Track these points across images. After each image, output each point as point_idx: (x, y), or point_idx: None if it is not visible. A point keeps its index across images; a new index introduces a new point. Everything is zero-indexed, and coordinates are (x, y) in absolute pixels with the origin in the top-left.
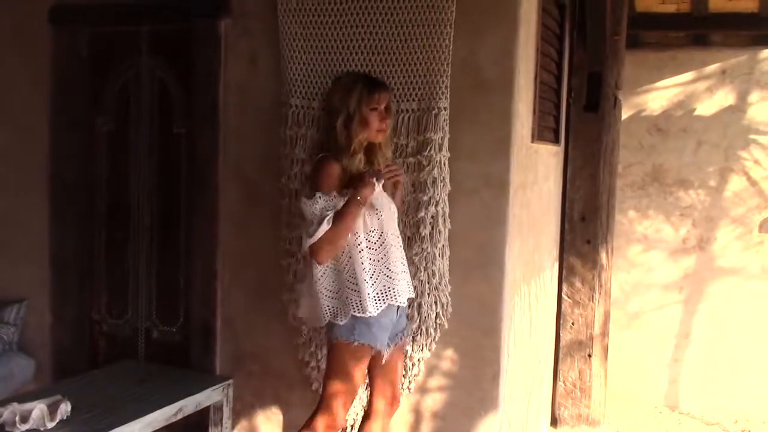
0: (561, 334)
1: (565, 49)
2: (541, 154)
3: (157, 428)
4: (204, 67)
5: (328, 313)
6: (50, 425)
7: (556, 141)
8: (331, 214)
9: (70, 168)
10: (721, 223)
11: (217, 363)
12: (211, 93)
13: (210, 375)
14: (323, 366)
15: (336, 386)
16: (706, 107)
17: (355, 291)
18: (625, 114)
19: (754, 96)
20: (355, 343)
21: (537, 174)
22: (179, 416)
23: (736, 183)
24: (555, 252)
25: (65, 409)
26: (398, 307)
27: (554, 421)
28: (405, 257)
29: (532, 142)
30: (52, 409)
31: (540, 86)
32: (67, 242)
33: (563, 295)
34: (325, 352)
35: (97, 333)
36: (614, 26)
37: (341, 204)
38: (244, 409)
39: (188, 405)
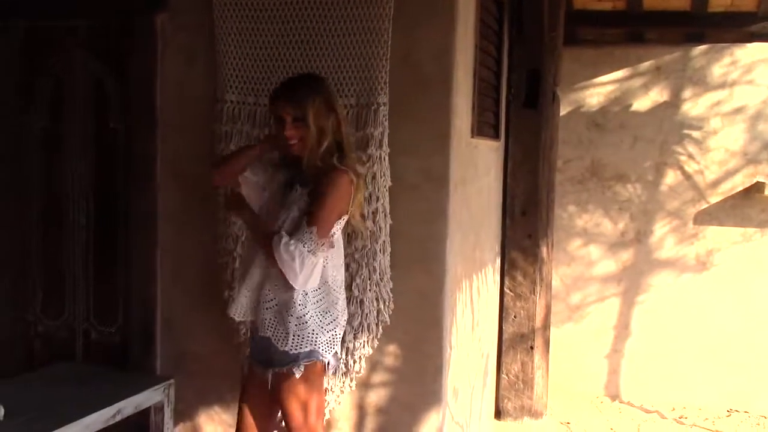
0: (504, 327)
1: (504, 45)
2: (481, 149)
3: (96, 431)
4: (141, 63)
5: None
6: None
7: (496, 136)
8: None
9: (2, 167)
10: (658, 216)
11: (157, 363)
12: (148, 89)
13: (150, 376)
14: None
15: None
16: (641, 103)
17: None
18: (564, 110)
19: (687, 92)
20: None
21: (477, 169)
22: (118, 418)
23: (671, 177)
24: (497, 246)
25: None
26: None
27: (498, 414)
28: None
29: (472, 137)
30: None
31: (479, 82)
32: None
33: (505, 289)
34: None
35: (32, 334)
36: (552, 23)
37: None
38: (186, 409)
39: (127, 406)
